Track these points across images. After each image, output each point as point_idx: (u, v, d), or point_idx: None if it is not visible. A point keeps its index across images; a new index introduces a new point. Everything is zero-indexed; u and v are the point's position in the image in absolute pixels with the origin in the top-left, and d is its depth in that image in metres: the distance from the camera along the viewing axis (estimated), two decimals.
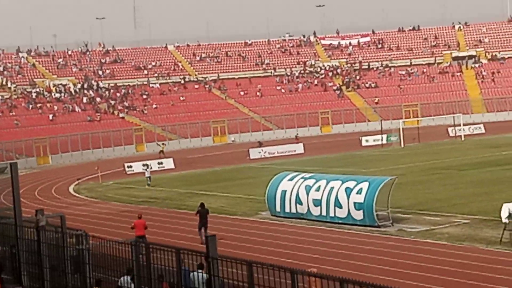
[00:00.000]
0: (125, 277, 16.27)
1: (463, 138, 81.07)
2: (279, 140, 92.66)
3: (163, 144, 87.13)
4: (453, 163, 58.18)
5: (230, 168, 68.97)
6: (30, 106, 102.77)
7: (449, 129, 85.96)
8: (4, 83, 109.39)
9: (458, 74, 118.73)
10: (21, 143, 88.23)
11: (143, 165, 68.67)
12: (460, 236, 31.29)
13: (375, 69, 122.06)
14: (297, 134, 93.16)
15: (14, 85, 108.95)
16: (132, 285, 15.91)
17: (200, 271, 9.61)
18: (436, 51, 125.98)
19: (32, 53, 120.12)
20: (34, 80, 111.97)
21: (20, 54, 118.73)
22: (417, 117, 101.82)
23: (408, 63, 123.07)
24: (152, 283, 14.33)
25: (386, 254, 28.99)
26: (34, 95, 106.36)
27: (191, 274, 11.74)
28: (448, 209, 37.57)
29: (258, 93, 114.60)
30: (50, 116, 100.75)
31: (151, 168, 65.27)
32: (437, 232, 32.47)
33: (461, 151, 68.51)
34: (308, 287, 12.73)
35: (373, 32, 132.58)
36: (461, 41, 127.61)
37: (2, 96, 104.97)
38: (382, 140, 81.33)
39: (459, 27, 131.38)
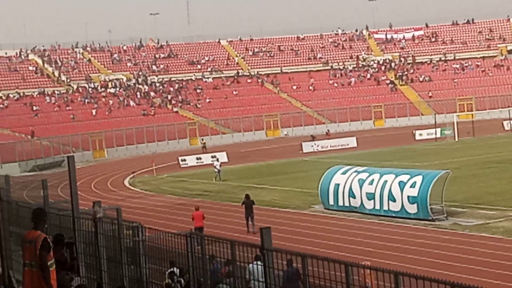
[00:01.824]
0: (174, 268, 16.48)
1: None
2: (332, 134, 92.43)
3: (202, 140, 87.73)
4: (508, 157, 57.48)
5: (283, 161, 69.08)
6: (86, 100, 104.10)
7: (504, 122, 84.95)
8: (60, 78, 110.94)
9: None
10: (77, 137, 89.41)
11: (212, 157, 69.47)
12: None
13: (428, 62, 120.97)
14: (328, 130, 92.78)
15: (70, 80, 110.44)
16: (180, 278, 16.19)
17: (259, 262, 9.67)
18: (490, 44, 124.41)
19: (87, 49, 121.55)
20: (90, 75, 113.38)
21: (76, 50, 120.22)
22: (472, 110, 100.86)
23: (462, 57, 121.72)
24: (208, 274, 14.50)
25: (440, 248, 28.86)
26: (89, 89, 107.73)
27: (250, 265, 11.85)
28: (503, 203, 37.21)
29: (310, 87, 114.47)
30: (106, 110, 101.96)
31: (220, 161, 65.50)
32: (492, 226, 32.22)
33: None
34: (363, 280, 12.77)
35: (427, 26, 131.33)
36: None
37: (58, 91, 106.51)
38: (436, 134, 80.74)
39: None
